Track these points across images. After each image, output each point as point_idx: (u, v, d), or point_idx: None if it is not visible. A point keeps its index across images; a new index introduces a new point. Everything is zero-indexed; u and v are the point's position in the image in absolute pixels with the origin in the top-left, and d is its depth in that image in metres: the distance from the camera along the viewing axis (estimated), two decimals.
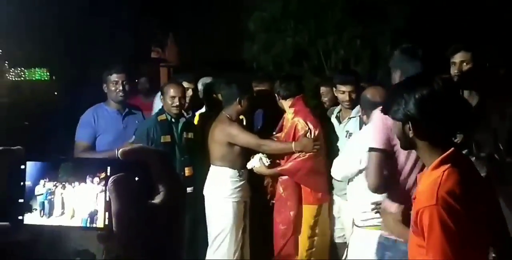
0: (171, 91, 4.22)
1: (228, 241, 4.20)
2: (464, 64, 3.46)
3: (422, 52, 3.02)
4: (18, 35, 10.27)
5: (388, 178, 2.86)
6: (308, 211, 4.25)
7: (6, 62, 12.20)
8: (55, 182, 0.68)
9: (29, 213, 0.68)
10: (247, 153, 4.28)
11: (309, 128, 4.19)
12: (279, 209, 4.31)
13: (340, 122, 4.34)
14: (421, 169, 2.51)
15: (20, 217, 0.68)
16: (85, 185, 0.67)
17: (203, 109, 4.90)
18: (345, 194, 3.86)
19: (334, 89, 4.40)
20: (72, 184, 0.67)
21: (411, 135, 2.02)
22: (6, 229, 0.67)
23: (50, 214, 0.68)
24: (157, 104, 4.56)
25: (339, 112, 4.40)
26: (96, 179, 0.67)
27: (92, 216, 0.67)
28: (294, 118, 4.27)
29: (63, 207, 0.67)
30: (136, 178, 0.66)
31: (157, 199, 0.67)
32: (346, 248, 3.68)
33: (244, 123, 4.58)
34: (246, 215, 4.34)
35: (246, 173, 4.31)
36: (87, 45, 10.75)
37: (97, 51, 10.37)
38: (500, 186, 2.36)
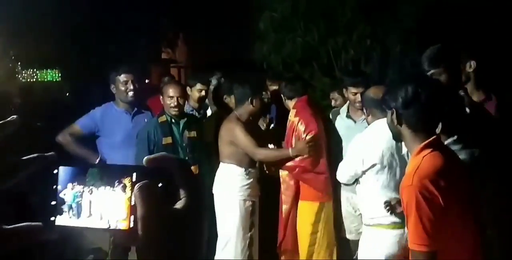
0: (170, 91, 4.22)
1: (235, 239, 4.22)
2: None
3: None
4: (31, 37, 10.35)
5: None
6: (308, 208, 4.29)
7: (19, 63, 12.30)
8: (83, 186, 0.72)
9: (59, 215, 0.72)
10: None
11: (304, 129, 4.24)
12: (280, 206, 4.43)
13: (355, 121, 4.38)
14: None
15: (52, 218, 0.72)
16: (111, 189, 0.71)
17: (208, 110, 4.97)
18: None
19: (344, 90, 4.48)
20: (99, 188, 0.71)
21: (395, 123, 2.28)
22: (40, 229, 0.71)
23: (78, 216, 0.72)
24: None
25: (348, 112, 4.44)
26: (122, 184, 0.71)
27: (118, 218, 0.70)
28: (294, 118, 4.33)
29: (90, 210, 0.72)
30: (160, 184, 0.71)
31: (178, 205, 0.71)
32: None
33: (265, 124, 4.61)
34: (254, 214, 4.34)
35: (255, 173, 4.32)
36: (98, 46, 10.83)
37: (108, 52, 10.44)
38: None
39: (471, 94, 3.08)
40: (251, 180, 4.29)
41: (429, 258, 2.08)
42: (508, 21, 6.44)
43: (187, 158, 4.23)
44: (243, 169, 4.26)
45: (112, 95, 4.45)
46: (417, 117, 2.25)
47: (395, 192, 3.26)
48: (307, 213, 4.28)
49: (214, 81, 5.07)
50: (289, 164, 4.26)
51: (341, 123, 4.47)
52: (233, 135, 4.22)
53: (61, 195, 0.71)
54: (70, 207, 0.71)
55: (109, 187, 0.70)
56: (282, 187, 4.39)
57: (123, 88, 4.28)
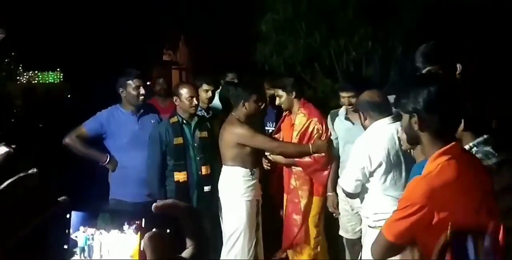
0: (188, 92, 4.34)
1: (242, 240, 4.26)
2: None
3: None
4: (32, 39, 10.38)
5: None
6: (316, 202, 4.61)
7: (21, 65, 12.33)
8: (94, 230, 0.74)
9: (71, 258, 0.74)
10: (258, 152, 4.38)
11: (323, 130, 4.51)
12: (292, 200, 4.61)
13: (353, 123, 4.46)
14: None
15: None
16: (121, 233, 0.73)
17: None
18: None
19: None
20: (109, 231, 0.74)
21: (416, 128, 2.14)
22: None
23: (90, 258, 0.74)
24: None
25: (346, 114, 4.57)
26: (132, 228, 0.73)
27: None
28: (308, 119, 4.54)
29: (101, 252, 0.74)
30: (168, 231, 0.73)
31: (185, 254, 0.73)
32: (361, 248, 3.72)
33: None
34: (258, 214, 4.42)
35: (257, 172, 4.39)
36: (99, 48, 10.86)
37: (109, 54, 10.47)
38: None
39: None
40: (256, 180, 4.37)
41: (388, 246, 2.10)
42: (508, 21, 6.46)
43: (198, 158, 4.35)
44: (248, 170, 4.31)
45: (116, 97, 4.52)
46: (441, 121, 2.13)
47: (400, 192, 3.27)
48: (316, 207, 4.58)
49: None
50: (306, 160, 4.47)
51: (340, 125, 4.58)
52: (240, 136, 4.25)
53: (72, 236, 0.73)
54: (82, 249, 0.73)
55: (119, 230, 0.72)
56: (297, 183, 4.60)
57: (134, 93, 4.39)
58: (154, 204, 0.73)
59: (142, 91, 4.40)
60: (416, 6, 6.92)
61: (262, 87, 4.79)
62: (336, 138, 4.57)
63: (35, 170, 0.68)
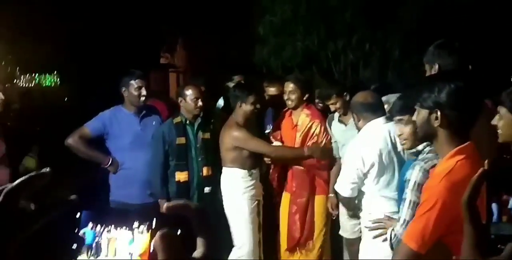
0: (194, 93, 4.37)
1: (248, 240, 4.34)
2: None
3: (459, 46, 3.08)
4: (29, 41, 10.36)
5: None
6: (322, 200, 4.64)
7: (17, 68, 12.30)
8: (102, 228, 0.74)
9: (79, 255, 0.74)
10: (256, 154, 4.45)
11: (322, 133, 4.59)
12: (295, 200, 4.65)
13: (346, 125, 4.53)
14: None
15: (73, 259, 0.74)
16: (129, 232, 0.73)
17: None
18: None
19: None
20: (118, 229, 0.74)
21: (436, 124, 2.08)
22: None
23: (97, 255, 0.74)
24: None
25: (340, 116, 4.62)
26: (141, 228, 0.73)
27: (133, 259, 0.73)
28: (311, 120, 4.61)
29: (108, 250, 0.74)
30: (179, 232, 0.75)
31: (196, 254, 0.74)
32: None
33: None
34: (260, 214, 4.49)
35: (257, 173, 4.47)
36: (97, 51, 10.84)
37: (106, 56, 10.46)
38: None
39: None
40: (254, 180, 4.45)
41: (412, 257, 2.07)
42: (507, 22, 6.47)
43: (200, 159, 4.38)
44: (246, 171, 4.39)
45: (114, 100, 4.54)
46: (461, 118, 2.10)
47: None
48: (322, 205, 4.61)
49: (231, 85, 5.19)
50: (309, 161, 4.52)
51: (336, 128, 4.64)
52: (237, 140, 4.34)
53: (80, 234, 0.73)
54: (90, 246, 0.73)
55: (128, 229, 0.72)
56: (295, 182, 4.63)
57: (136, 93, 4.41)
58: (165, 205, 0.74)
59: (143, 92, 4.41)
60: (414, 7, 6.93)
61: (259, 89, 4.82)
62: (335, 142, 4.59)
63: (48, 169, 0.67)
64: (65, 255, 0.69)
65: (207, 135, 4.42)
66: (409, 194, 2.52)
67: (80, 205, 0.75)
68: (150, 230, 0.64)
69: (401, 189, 2.83)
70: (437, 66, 3.01)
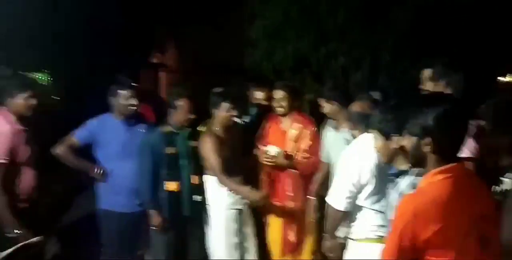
0: (186, 105, 4.30)
1: (220, 248, 4.30)
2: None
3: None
4: (20, 39, 10.29)
5: None
6: (316, 203, 4.58)
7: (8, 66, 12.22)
8: None
9: None
10: (234, 161, 4.32)
11: (314, 140, 4.60)
12: (290, 204, 4.62)
13: (336, 130, 4.51)
14: None
15: None
16: None
17: None
18: None
19: None
20: None
21: (427, 150, 2.06)
22: None
23: None
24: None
25: (331, 122, 4.61)
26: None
27: None
28: (302, 127, 4.64)
29: None
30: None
31: None
32: None
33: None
34: (243, 223, 4.44)
35: (236, 181, 4.28)
36: (87, 50, 10.78)
37: (97, 56, 10.41)
38: None
39: None
40: None
41: None
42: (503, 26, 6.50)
43: (189, 168, 4.33)
44: None
45: (106, 104, 4.47)
46: (453, 142, 2.07)
47: (379, 204, 3.25)
48: (317, 208, 4.57)
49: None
50: (304, 161, 4.55)
51: (329, 134, 4.61)
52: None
53: None
54: None
55: None
56: (293, 187, 4.61)
57: (125, 103, 4.36)
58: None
59: (133, 101, 4.36)
60: (406, 11, 6.93)
61: (238, 96, 4.59)
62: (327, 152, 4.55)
63: (39, 238, 0.68)
64: None
65: (196, 144, 4.37)
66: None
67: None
68: None
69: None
70: (443, 83, 3.08)
